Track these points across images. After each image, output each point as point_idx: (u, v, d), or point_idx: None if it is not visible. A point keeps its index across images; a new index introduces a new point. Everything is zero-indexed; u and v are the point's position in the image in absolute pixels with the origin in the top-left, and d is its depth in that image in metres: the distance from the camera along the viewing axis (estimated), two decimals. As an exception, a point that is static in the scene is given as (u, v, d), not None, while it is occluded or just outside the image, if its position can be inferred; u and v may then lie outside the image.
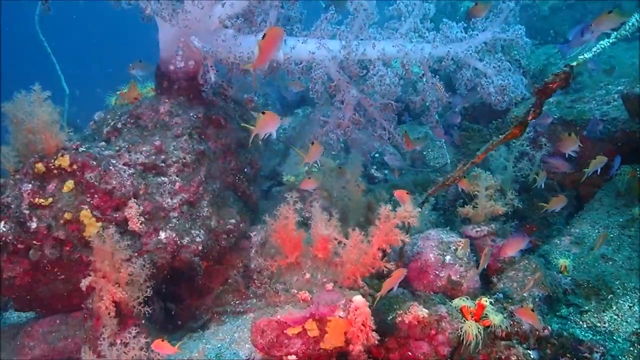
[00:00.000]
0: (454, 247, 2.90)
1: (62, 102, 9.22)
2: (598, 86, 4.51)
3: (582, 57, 2.71)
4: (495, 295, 2.78)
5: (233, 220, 3.59)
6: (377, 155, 5.00)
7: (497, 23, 3.12)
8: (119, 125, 3.63)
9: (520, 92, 3.04)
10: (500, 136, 2.54)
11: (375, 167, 5.27)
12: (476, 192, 3.19)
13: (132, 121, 3.65)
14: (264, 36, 2.42)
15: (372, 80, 3.03)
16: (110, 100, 4.13)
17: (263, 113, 2.65)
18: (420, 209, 2.58)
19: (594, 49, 2.75)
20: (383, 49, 3.06)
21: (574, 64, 2.42)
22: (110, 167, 3.17)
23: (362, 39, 3.08)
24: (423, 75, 3.15)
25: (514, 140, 3.61)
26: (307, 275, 2.65)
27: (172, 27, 3.50)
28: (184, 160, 3.42)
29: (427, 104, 3.24)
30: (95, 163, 3.12)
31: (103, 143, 3.45)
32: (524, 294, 2.75)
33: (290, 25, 3.35)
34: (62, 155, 3.11)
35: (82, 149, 3.24)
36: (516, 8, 3.11)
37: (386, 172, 5.29)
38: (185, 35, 3.55)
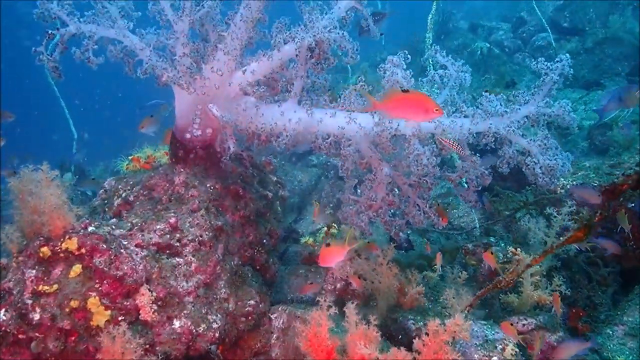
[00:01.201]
0: (500, 347, 2.61)
1: (71, 146, 9.11)
2: (634, 147, 4.26)
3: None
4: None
5: (252, 302, 3.32)
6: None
7: (540, 96, 2.89)
8: (131, 198, 3.40)
9: (567, 170, 2.79)
10: (560, 238, 2.28)
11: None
12: (520, 279, 2.91)
13: (144, 193, 3.42)
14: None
15: (408, 160, 2.80)
16: (121, 165, 3.91)
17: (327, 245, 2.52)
18: (466, 314, 2.30)
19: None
20: (419, 125, 2.83)
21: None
22: (122, 251, 2.92)
23: (395, 114, 2.86)
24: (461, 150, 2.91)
25: (555, 215, 3.35)
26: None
27: (189, 95, 3.30)
28: (201, 239, 3.17)
29: (465, 180, 2.99)
30: (105, 246, 2.87)
31: (114, 220, 3.21)
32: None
33: (317, 96, 3.13)
34: (69, 238, 2.87)
35: (92, 228, 3.01)
36: (560, 80, 2.88)
37: (409, 232, 5.02)
38: (203, 103, 3.35)
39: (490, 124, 2.84)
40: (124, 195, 3.45)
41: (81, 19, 3.16)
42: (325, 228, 4.92)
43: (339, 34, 2.94)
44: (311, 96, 3.10)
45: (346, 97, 3.02)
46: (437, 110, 2.44)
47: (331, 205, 5.82)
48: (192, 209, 3.27)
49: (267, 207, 3.84)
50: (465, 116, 2.89)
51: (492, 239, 4.39)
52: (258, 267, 3.66)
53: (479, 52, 10.83)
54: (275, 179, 4.27)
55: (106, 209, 3.49)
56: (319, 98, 3.13)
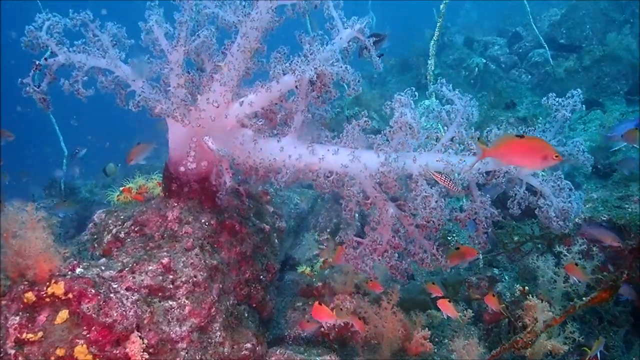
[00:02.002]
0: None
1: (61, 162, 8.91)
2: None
3: None
4: None
5: (249, 345, 3.15)
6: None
7: (551, 133, 2.77)
8: (122, 235, 3.24)
9: (581, 211, 2.66)
10: (584, 299, 2.15)
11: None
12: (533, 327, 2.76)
13: (136, 229, 3.26)
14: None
15: (415, 202, 2.66)
16: (112, 197, 3.74)
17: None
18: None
19: None
20: (426, 164, 2.69)
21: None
22: (111, 295, 2.75)
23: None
24: (469, 190, 2.78)
25: (565, 253, 3.23)
26: None
27: (183, 127, 3.16)
28: (195, 279, 3.01)
29: (474, 220, 2.85)
30: (93, 291, 2.71)
31: (103, 260, 3.04)
32: None
33: (317, 131, 2.99)
34: (55, 282, 2.70)
35: (80, 270, 2.84)
36: (572, 117, 2.75)
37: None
38: (198, 135, 3.20)
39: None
40: (114, 231, 3.28)
41: (71, 48, 3.01)
42: (322, 259, 4.75)
43: (341, 67, 2.81)
44: (312, 131, 2.95)
45: (349, 132, 2.88)
46: (556, 156, 2.31)
47: (328, 230, 5.66)
48: (186, 248, 3.12)
49: (264, 240, 3.69)
50: (474, 154, 2.76)
51: (495, 270, 4.26)
52: (254, 305, 3.50)
53: (475, 67, 10.76)
54: (272, 209, 4.12)
55: (95, 245, 3.32)
56: (319, 133, 2.99)
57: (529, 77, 10.28)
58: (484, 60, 10.91)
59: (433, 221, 2.75)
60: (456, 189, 2.69)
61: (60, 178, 8.84)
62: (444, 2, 4.97)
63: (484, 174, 2.72)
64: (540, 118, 5.81)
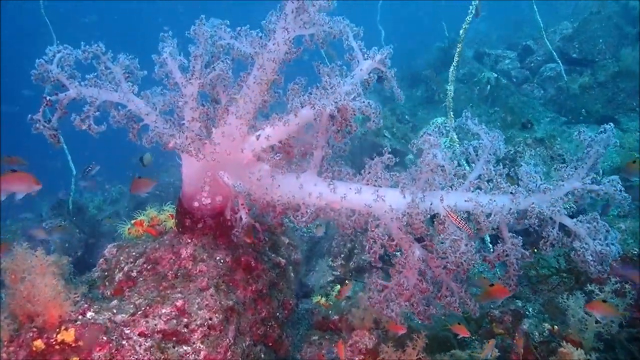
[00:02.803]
0: None
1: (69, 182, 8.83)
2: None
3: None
4: None
5: (266, 389, 3.01)
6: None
7: (584, 170, 2.63)
8: (134, 273, 3.12)
9: (618, 252, 2.52)
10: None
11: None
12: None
13: (149, 267, 3.14)
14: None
15: (443, 245, 2.53)
16: (123, 230, 3.62)
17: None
18: None
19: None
20: (454, 205, 2.56)
21: None
22: (124, 342, 2.63)
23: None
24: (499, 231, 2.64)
25: (598, 292, 3.08)
26: None
27: (198, 161, 3.04)
28: (210, 322, 2.88)
29: (504, 262, 2.71)
30: (105, 338, 2.59)
31: (115, 302, 2.92)
32: None
33: (338, 166, 2.87)
34: (65, 329, 2.59)
35: (90, 314, 2.73)
36: (605, 152, 2.62)
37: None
38: (213, 170, 3.09)
39: (533, 202, 2.57)
40: (126, 269, 3.17)
41: (83, 82, 2.91)
42: (338, 285, 4.62)
43: (364, 102, 2.68)
44: (332, 167, 2.83)
45: (371, 169, 2.76)
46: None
47: (342, 255, 5.52)
48: (201, 288, 2.99)
49: (280, 276, 3.56)
50: (504, 192, 2.62)
51: (519, 302, 4.10)
52: (271, 344, 3.37)
53: (487, 82, 10.64)
54: (287, 240, 3.99)
55: (107, 284, 3.21)
56: (340, 168, 2.86)
57: (542, 92, 10.15)
58: (496, 75, 10.78)
59: (462, 263, 2.61)
60: (469, 230, 2.56)
61: (68, 197, 8.76)
62: (464, 27, 4.83)
63: (516, 214, 2.59)
64: (559, 139, 5.67)
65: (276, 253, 3.70)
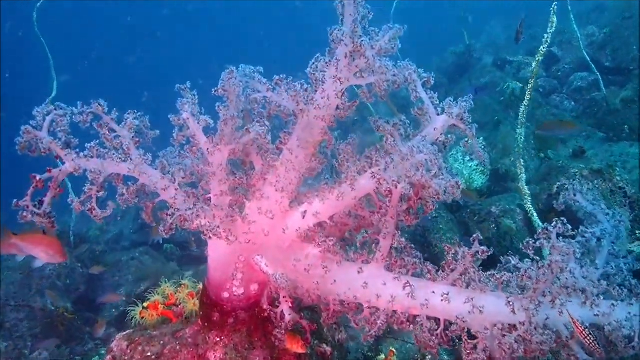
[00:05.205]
0: None
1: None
2: None
3: None
4: None
5: None
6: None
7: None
8: (150, 386, 2.50)
9: None
10: None
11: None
12: None
13: (168, 377, 2.52)
14: None
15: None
16: (134, 313, 3.00)
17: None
18: None
19: None
20: (580, 317, 1.93)
21: None
22: None
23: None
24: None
25: None
26: None
27: (228, 245, 2.42)
28: None
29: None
30: None
31: None
32: None
33: (412, 257, 2.24)
34: None
35: None
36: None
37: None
38: (247, 253, 2.46)
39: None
40: (140, 378, 2.54)
41: (82, 153, 2.29)
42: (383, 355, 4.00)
43: (450, 181, 2.05)
44: (405, 260, 2.20)
45: (458, 266, 2.11)
46: None
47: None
48: (236, 408, 2.37)
49: (326, 371, 2.93)
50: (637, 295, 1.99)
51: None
52: None
53: (511, 93, 9.97)
54: (330, 317, 3.35)
55: (116, 395, 2.59)
56: (415, 260, 2.23)
57: (572, 103, 9.47)
58: (520, 85, 10.11)
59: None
60: (598, 350, 1.92)
61: (69, 229, 8.14)
62: (537, 58, 4.08)
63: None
64: (618, 169, 5.03)
65: (320, 339, 3.06)
